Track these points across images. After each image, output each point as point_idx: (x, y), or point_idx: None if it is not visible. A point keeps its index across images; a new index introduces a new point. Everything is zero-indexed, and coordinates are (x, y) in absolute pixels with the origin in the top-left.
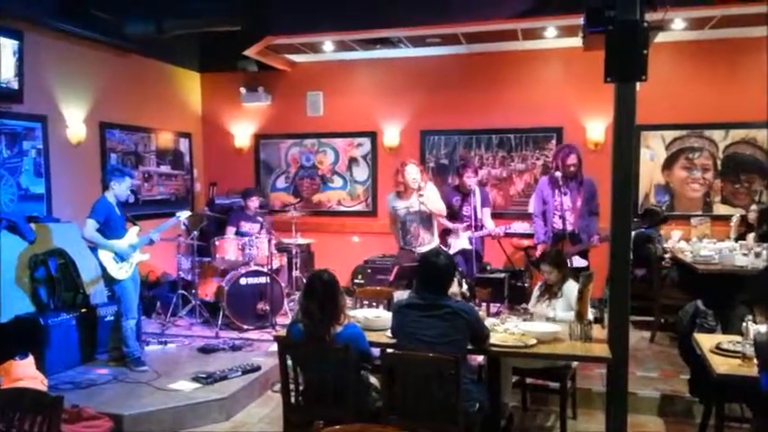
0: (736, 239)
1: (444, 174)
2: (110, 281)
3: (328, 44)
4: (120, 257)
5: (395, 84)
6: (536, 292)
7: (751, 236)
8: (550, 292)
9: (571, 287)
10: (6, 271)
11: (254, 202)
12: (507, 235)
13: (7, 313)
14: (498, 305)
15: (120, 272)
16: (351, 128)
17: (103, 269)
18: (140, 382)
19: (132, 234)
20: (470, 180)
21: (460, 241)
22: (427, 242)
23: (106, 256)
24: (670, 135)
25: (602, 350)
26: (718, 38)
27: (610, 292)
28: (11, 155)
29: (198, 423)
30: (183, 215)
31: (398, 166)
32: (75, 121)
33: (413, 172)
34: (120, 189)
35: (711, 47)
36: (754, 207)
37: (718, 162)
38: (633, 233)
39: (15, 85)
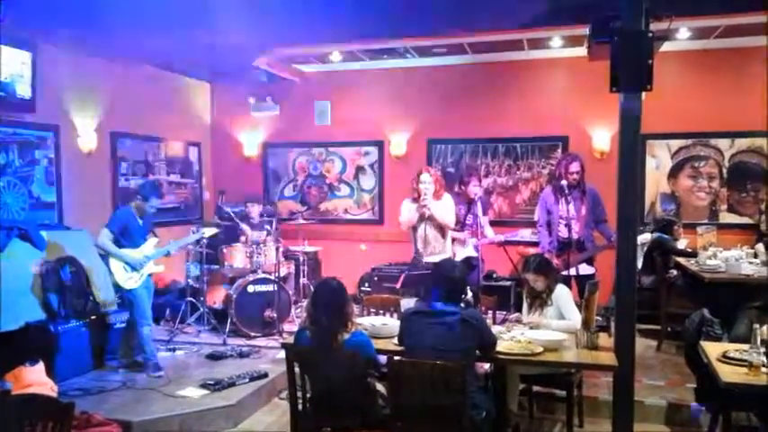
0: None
1: (451, 182)
2: (119, 289)
3: (336, 54)
4: (132, 267)
5: (402, 93)
6: (526, 301)
7: (759, 245)
8: (540, 299)
9: (561, 294)
10: (18, 278)
11: (254, 208)
12: (507, 243)
13: (18, 320)
14: (504, 313)
15: (128, 281)
16: (358, 137)
17: (112, 277)
18: (149, 389)
19: (149, 245)
20: (475, 188)
21: (466, 250)
22: (438, 251)
23: (116, 265)
24: (676, 144)
25: (608, 358)
26: (724, 47)
27: (616, 300)
28: (23, 164)
29: (206, 429)
30: (208, 232)
31: (417, 173)
32: (86, 130)
33: (425, 180)
34: (148, 206)
35: (717, 56)
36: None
37: (724, 171)
38: (648, 238)
39: (28, 95)
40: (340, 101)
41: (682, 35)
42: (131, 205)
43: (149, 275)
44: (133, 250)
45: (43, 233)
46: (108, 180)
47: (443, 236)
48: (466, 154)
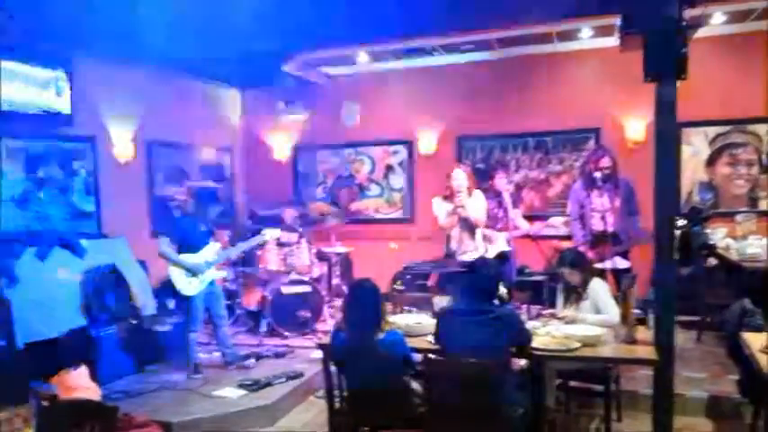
0: None
1: (480, 179)
2: (178, 294)
3: (363, 56)
4: (192, 273)
5: (430, 91)
6: (560, 296)
7: None
8: (576, 293)
9: (596, 287)
10: (60, 287)
11: (289, 214)
12: (541, 236)
13: (60, 327)
14: (538, 307)
15: (189, 287)
16: (386, 136)
17: (172, 284)
18: (188, 390)
19: (211, 250)
20: (501, 181)
21: (498, 245)
22: (471, 249)
23: (176, 272)
24: (713, 131)
25: (647, 352)
26: (760, 30)
27: (655, 292)
28: (63, 175)
29: (244, 429)
30: (270, 234)
31: (449, 171)
32: (122, 140)
33: (458, 177)
34: (206, 212)
35: (753, 39)
36: None
37: (763, 157)
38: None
39: (67, 109)
40: (368, 101)
41: (716, 20)
42: (189, 213)
43: (213, 281)
44: (194, 255)
45: (83, 241)
46: (144, 188)
47: (475, 233)
48: (496, 149)
